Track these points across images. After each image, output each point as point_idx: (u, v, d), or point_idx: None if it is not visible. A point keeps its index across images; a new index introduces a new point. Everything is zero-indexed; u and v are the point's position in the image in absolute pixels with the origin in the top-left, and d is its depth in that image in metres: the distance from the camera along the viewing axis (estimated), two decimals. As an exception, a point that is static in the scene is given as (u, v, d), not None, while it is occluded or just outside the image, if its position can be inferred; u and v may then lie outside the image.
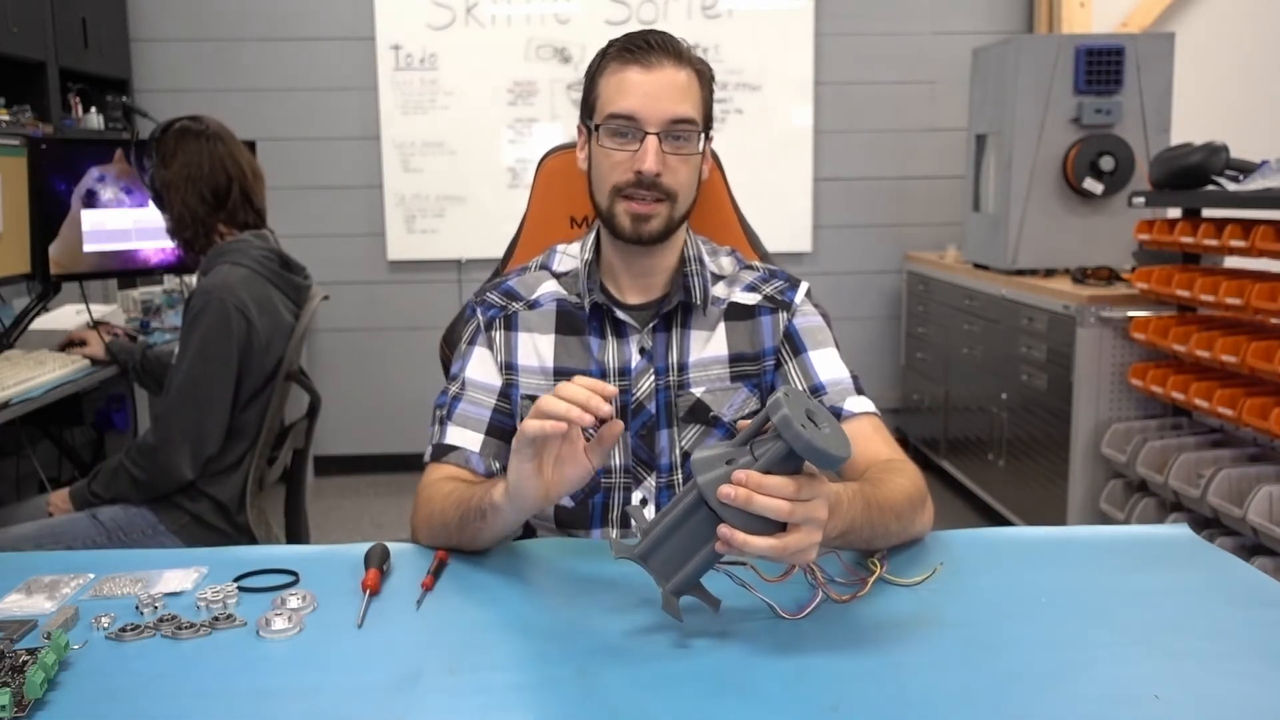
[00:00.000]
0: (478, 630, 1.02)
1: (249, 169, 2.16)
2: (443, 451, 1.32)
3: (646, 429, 1.34)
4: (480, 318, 1.39)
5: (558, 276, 1.40)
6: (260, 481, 2.19)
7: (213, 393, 2.02)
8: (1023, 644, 0.97)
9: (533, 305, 1.38)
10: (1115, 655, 0.94)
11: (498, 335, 1.37)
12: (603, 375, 1.34)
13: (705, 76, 1.33)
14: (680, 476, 1.35)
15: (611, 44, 1.32)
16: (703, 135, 1.31)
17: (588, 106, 1.34)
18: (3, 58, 3.30)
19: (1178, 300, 2.84)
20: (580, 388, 1.02)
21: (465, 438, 1.32)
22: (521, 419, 1.34)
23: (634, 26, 4.35)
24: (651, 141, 1.27)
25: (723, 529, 0.92)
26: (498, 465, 1.33)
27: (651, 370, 1.35)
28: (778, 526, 0.93)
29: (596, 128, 1.31)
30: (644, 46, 1.28)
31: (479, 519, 1.15)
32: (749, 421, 0.98)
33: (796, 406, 0.92)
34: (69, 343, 2.49)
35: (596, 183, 1.34)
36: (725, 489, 0.91)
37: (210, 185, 2.09)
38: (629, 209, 1.29)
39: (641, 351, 1.35)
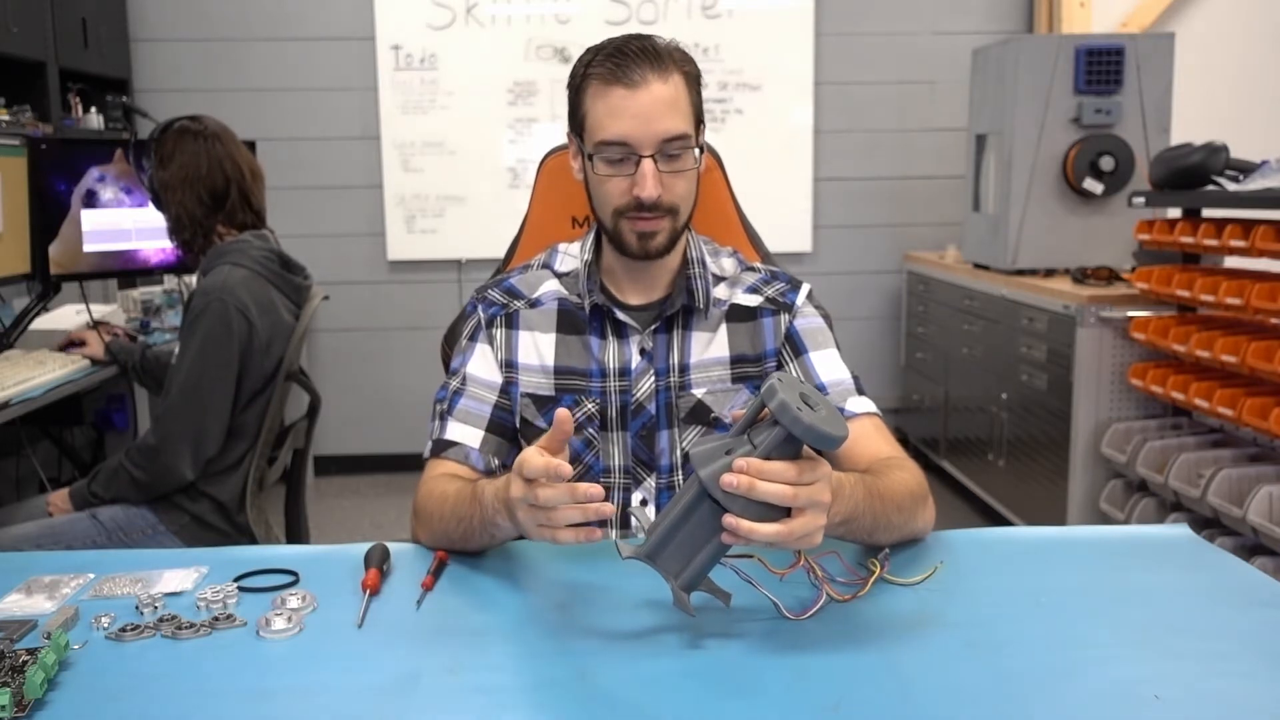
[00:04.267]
0: (478, 630, 1.02)
1: (247, 169, 2.15)
2: (443, 447, 1.32)
3: (647, 430, 1.34)
4: (481, 314, 1.39)
5: (559, 276, 1.40)
6: (260, 481, 2.19)
7: (214, 393, 2.02)
8: (1023, 644, 0.97)
9: (534, 304, 1.38)
10: (1115, 655, 0.94)
11: (499, 333, 1.37)
12: (603, 375, 1.34)
13: (691, 76, 1.30)
14: (680, 477, 1.35)
15: (592, 55, 1.28)
16: (696, 143, 1.29)
17: (576, 122, 1.32)
18: (3, 58, 3.30)
19: (1178, 300, 2.84)
20: (554, 494, 0.96)
21: (465, 434, 1.32)
22: (521, 417, 1.35)
23: (634, 26, 4.37)
24: (647, 165, 1.25)
25: (728, 519, 0.92)
26: (497, 462, 1.33)
27: (652, 371, 1.35)
28: (782, 512, 0.93)
29: (590, 156, 1.28)
30: (625, 62, 1.24)
31: (486, 536, 1.15)
32: (743, 411, 0.98)
33: (790, 391, 0.92)
34: (69, 343, 2.49)
35: (597, 204, 1.32)
36: (728, 478, 0.91)
37: (208, 187, 2.09)
38: (634, 228, 1.29)
39: (642, 352, 1.35)
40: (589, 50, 1.30)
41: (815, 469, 0.94)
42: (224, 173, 2.10)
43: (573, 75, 1.32)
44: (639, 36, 1.28)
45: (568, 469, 0.97)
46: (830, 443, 0.91)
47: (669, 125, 1.25)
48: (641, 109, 1.24)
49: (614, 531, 1.35)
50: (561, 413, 1.01)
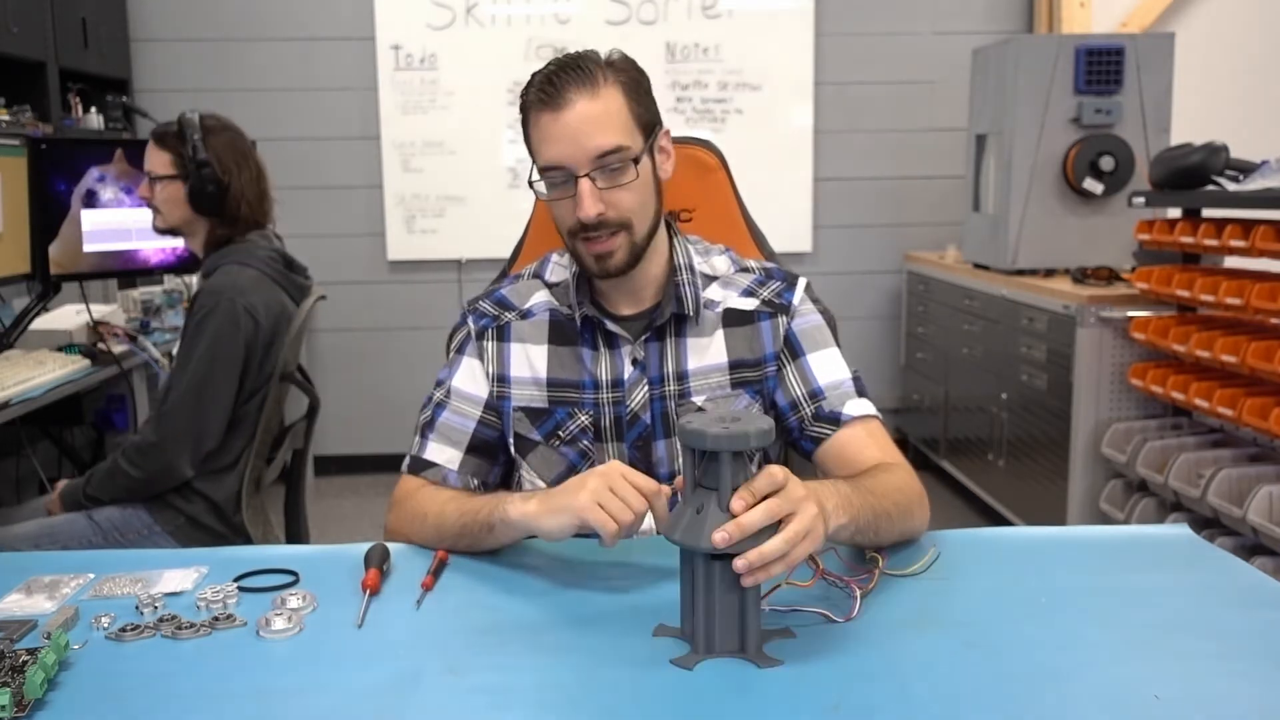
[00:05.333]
0: (478, 630, 1.02)
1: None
2: (421, 466, 1.32)
3: (643, 440, 1.34)
4: (472, 326, 1.38)
5: (550, 286, 1.39)
6: (257, 482, 2.19)
7: (218, 393, 2.02)
8: (1023, 644, 0.97)
9: (525, 315, 1.37)
10: (1115, 655, 0.94)
11: (489, 345, 1.36)
12: (595, 386, 1.34)
13: (631, 85, 1.26)
14: None
15: (527, 88, 1.26)
16: (644, 151, 1.26)
17: (530, 149, 1.30)
18: (3, 58, 3.30)
19: (1178, 300, 2.84)
20: (631, 493, 1.06)
21: (445, 454, 1.32)
22: (515, 432, 1.34)
23: (634, 26, 4.36)
24: (584, 185, 1.23)
25: (738, 562, 0.91)
26: (475, 482, 1.34)
27: (645, 381, 1.34)
28: (775, 530, 0.94)
29: (532, 184, 1.29)
30: (550, 88, 1.23)
31: (485, 531, 1.16)
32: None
33: (701, 418, 0.95)
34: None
35: (557, 226, 1.32)
36: (718, 537, 0.91)
37: (255, 166, 2.15)
38: (589, 250, 1.28)
39: (634, 363, 1.34)
40: (529, 78, 1.28)
41: (771, 477, 0.94)
42: (257, 163, 2.18)
43: (520, 106, 1.30)
44: (573, 56, 1.26)
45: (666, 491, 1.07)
46: (764, 438, 0.93)
47: (599, 141, 1.22)
48: (568, 130, 1.22)
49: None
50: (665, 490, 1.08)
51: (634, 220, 1.27)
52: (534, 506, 1.12)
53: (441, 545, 1.21)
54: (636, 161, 1.25)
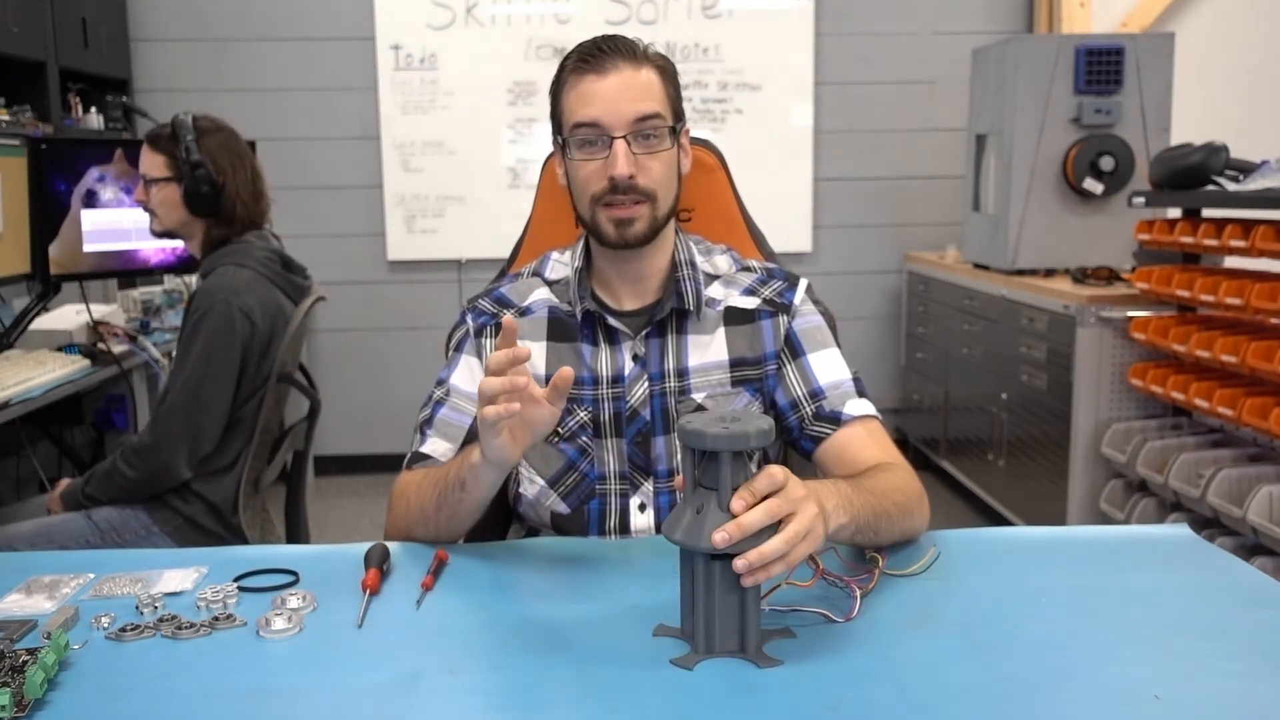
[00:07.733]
0: (478, 630, 1.02)
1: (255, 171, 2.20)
2: (417, 459, 1.33)
3: (642, 435, 1.33)
4: (470, 324, 1.38)
5: (550, 284, 1.39)
6: (255, 483, 2.19)
7: (214, 394, 2.02)
8: (1023, 644, 0.97)
9: (524, 312, 1.37)
10: (1115, 655, 0.94)
11: (488, 343, 1.37)
12: (595, 382, 1.34)
13: (668, 73, 1.31)
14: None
15: (568, 56, 1.31)
16: (673, 130, 1.29)
17: (556, 123, 1.33)
18: (3, 58, 3.30)
19: (1178, 300, 2.84)
20: (499, 361, 1.06)
21: (440, 448, 1.32)
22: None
23: (634, 26, 4.37)
24: (620, 145, 1.25)
25: (738, 562, 0.91)
26: None
27: (645, 377, 1.34)
28: (775, 530, 0.93)
29: (565, 142, 1.30)
30: (597, 54, 1.27)
31: (458, 489, 1.17)
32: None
33: (701, 418, 0.95)
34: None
35: (576, 195, 1.33)
36: (719, 537, 0.90)
37: (251, 166, 2.14)
38: (610, 215, 1.28)
39: (635, 358, 1.34)
40: (567, 54, 1.31)
41: (771, 477, 0.94)
42: (251, 162, 2.16)
43: (553, 81, 1.34)
44: (615, 35, 1.30)
45: (526, 352, 1.06)
46: (764, 437, 0.93)
47: (641, 106, 1.26)
48: (612, 91, 1.26)
49: (612, 537, 1.34)
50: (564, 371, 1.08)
51: (659, 193, 1.29)
52: (479, 459, 1.14)
53: (428, 526, 1.22)
54: (670, 133, 1.28)
